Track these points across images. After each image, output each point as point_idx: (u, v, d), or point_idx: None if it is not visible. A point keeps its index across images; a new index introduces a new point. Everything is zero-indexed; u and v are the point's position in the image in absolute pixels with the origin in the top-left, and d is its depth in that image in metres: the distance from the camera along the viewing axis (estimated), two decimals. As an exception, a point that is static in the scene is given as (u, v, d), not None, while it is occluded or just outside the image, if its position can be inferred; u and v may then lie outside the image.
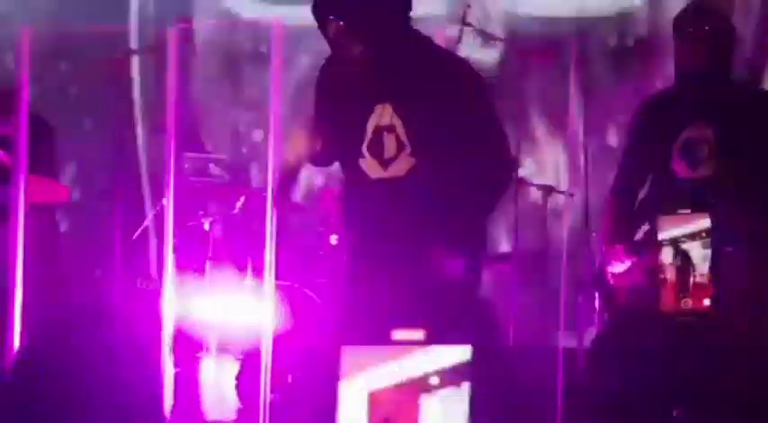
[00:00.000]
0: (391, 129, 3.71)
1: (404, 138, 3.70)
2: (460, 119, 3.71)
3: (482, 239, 3.86)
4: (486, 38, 5.54)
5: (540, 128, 6.96)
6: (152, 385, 3.03)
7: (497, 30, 5.66)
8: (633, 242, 4.50)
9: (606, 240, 4.57)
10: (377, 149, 3.73)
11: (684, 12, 4.49)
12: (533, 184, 6.24)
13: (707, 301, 4.19)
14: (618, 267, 4.46)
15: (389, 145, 3.71)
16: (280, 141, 4.97)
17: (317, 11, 3.70)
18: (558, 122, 6.75)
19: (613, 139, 6.76)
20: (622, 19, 6.78)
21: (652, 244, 4.32)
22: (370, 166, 3.75)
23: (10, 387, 2.95)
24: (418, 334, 2.44)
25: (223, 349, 5.87)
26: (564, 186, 6.26)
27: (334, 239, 6.15)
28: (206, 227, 6.13)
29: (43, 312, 6.16)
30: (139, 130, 7.86)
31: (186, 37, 5.58)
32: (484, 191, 3.79)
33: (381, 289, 3.71)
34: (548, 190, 6.28)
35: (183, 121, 5.52)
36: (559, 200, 6.27)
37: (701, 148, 4.39)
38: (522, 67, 5.61)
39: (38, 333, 4.28)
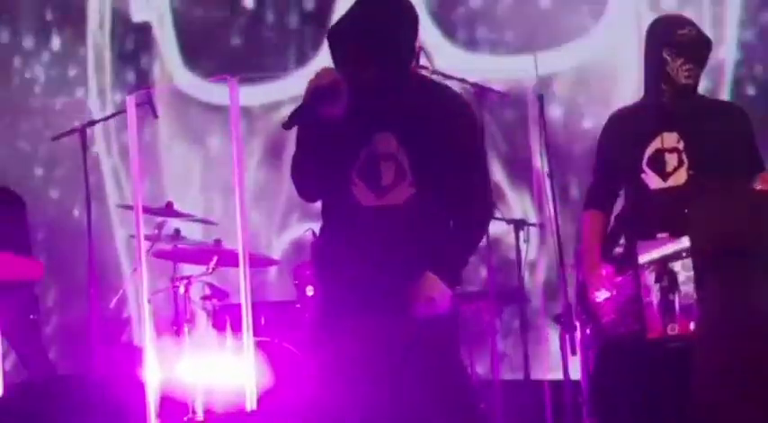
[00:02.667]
0: (390, 157, 3.70)
1: (406, 167, 3.69)
2: (458, 156, 3.72)
3: (460, 280, 3.83)
4: (443, 78, 5.54)
5: (501, 164, 7.03)
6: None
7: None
8: (616, 264, 4.49)
9: (588, 262, 4.55)
10: (371, 176, 3.71)
11: (678, 28, 4.45)
12: (503, 219, 6.24)
13: (692, 325, 4.20)
14: (603, 294, 4.44)
15: (387, 173, 3.70)
16: (244, 199, 5.01)
17: (335, 32, 3.71)
18: (521, 158, 6.83)
19: (578, 165, 6.81)
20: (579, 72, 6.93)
21: (632, 265, 4.33)
22: (362, 193, 3.72)
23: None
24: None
25: (209, 411, 5.84)
26: (533, 219, 6.29)
27: (310, 291, 6.15)
28: (181, 290, 6.12)
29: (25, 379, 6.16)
30: (110, 199, 7.90)
31: (146, 101, 5.58)
32: (471, 230, 3.81)
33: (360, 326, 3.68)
34: (518, 224, 6.30)
35: (148, 185, 5.57)
36: (530, 233, 6.30)
37: (671, 159, 4.42)
38: (478, 108, 5.64)
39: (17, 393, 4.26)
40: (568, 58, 6.93)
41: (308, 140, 3.75)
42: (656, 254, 4.26)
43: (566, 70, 6.91)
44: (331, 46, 3.73)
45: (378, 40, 3.67)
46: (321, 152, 3.72)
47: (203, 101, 7.66)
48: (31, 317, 6.25)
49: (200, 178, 7.74)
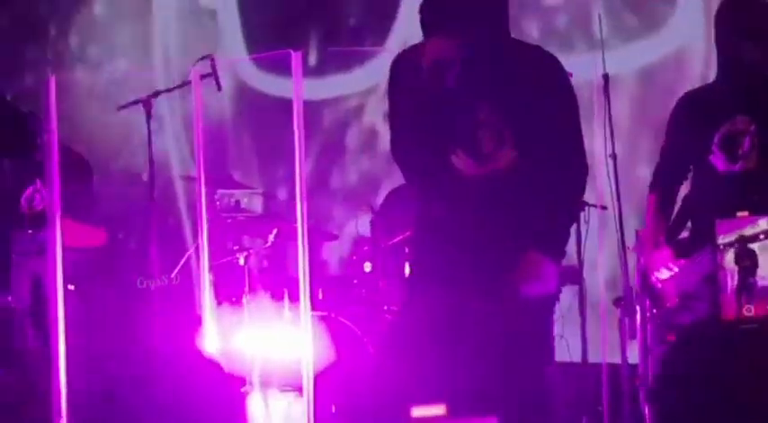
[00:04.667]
0: (488, 124, 3.64)
1: (505, 133, 3.63)
2: (555, 120, 3.67)
3: (564, 254, 3.76)
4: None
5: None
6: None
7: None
8: (680, 245, 4.46)
9: (650, 242, 4.51)
10: (471, 145, 3.65)
11: (747, 9, 4.43)
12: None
13: (772, 308, 4.17)
14: (665, 273, 4.41)
15: (487, 140, 3.64)
16: (305, 172, 5.01)
17: (428, 7, 3.68)
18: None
19: (641, 152, 6.76)
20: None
21: (704, 246, 4.29)
22: (463, 162, 3.67)
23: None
24: (439, 410, 2.27)
25: (266, 382, 5.88)
26: (595, 201, 6.24)
27: (367, 267, 6.17)
28: (241, 261, 6.16)
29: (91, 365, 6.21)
30: (174, 170, 7.96)
31: (210, 73, 5.60)
32: (571, 195, 3.76)
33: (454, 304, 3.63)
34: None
35: (211, 157, 5.60)
36: (592, 214, 6.25)
37: (742, 142, 4.37)
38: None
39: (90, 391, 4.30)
40: (635, 55, 6.88)
41: (407, 113, 3.71)
42: (736, 234, 4.21)
43: (631, 70, 6.86)
44: (431, 13, 3.67)
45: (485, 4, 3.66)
46: (420, 123, 3.68)
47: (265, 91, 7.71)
48: (69, 287, 6.28)
49: (261, 153, 7.77)
